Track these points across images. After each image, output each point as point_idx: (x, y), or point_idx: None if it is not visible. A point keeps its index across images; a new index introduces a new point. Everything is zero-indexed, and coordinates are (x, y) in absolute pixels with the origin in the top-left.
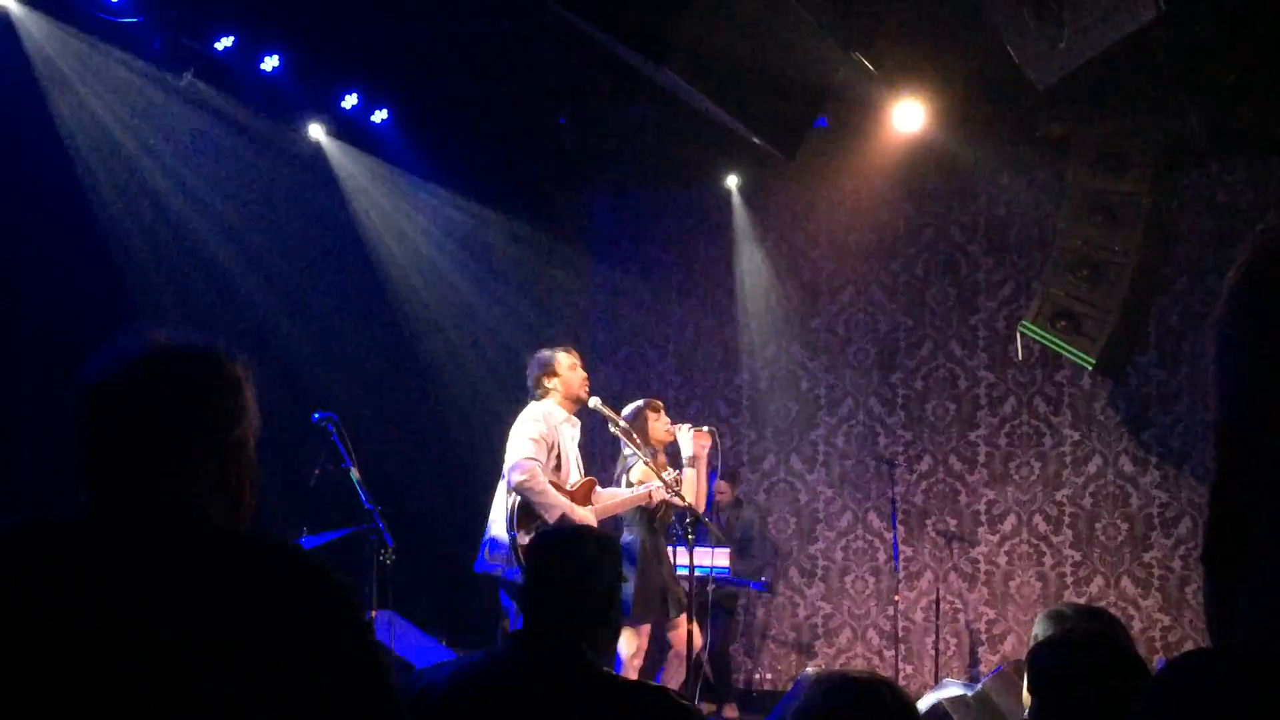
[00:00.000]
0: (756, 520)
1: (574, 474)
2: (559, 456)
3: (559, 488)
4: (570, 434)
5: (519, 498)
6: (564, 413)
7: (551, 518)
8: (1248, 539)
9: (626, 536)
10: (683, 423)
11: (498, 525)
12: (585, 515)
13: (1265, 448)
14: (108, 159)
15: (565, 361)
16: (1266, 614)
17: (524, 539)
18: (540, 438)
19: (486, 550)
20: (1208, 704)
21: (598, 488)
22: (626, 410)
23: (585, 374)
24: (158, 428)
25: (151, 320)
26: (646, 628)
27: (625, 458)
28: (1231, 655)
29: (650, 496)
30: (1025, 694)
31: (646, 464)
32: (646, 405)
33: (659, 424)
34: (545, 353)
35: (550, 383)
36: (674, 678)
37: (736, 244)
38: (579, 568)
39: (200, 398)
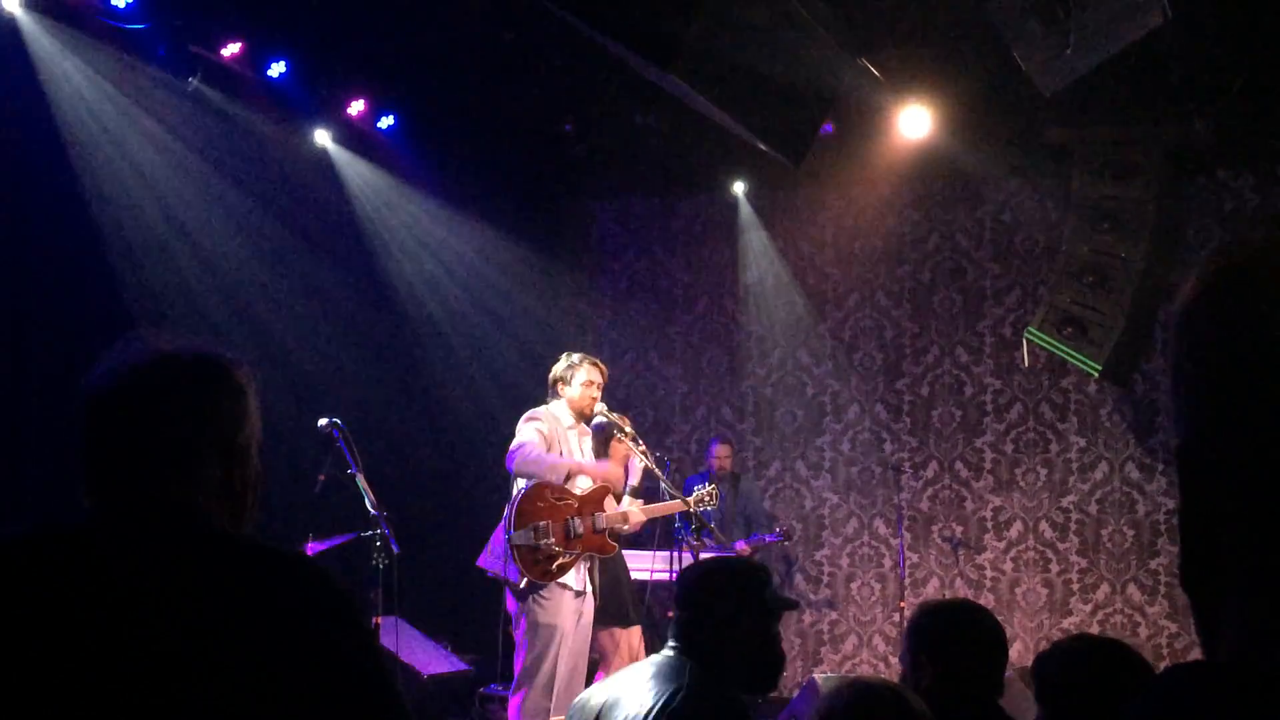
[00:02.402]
0: (757, 492)
1: (583, 482)
2: (562, 456)
3: (566, 491)
4: (578, 441)
5: (517, 501)
6: (570, 418)
7: (559, 477)
8: (1220, 562)
9: None
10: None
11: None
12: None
13: (1224, 475)
14: (112, 165)
15: (581, 378)
16: (1244, 634)
17: (520, 540)
18: (538, 432)
19: (489, 548)
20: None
21: (636, 501)
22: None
23: (597, 396)
24: (162, 434)
25: (155, 326)
26: (621, 632)
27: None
28: (1219, 669)
29: (685, 506)
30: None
31: (654, 469)
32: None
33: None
34: (574, 359)
35: (561, 390)
36: None
37: (742, 250)
38: (712, 587)
39: (204, 404)
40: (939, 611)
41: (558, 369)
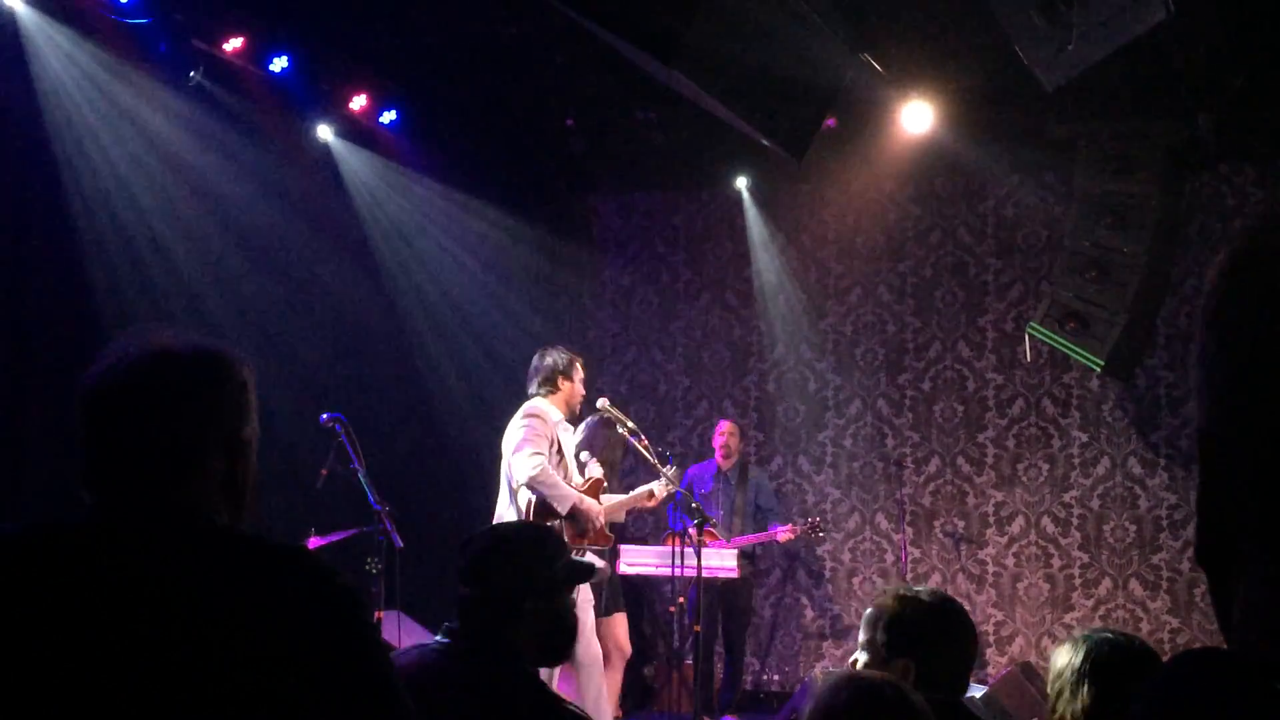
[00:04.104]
0: (768, 482)
1: (575, 475)
2: (560, 454)
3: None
4: (568, 437)
5: (535, 495)
6: (559, 414)
7: (563, 509)
8: (1236, 542)
9: None
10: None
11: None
12: (594, 505)
13: (1245, 456)
14: (112, 161)
15: (580, 375)
16: (1255, 615)
17: None
18: (540, 434)
19: None
20: (1198, 706)
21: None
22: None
23: (584, 393)
24: (167, 430)
25: (154, 322)
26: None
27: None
28: (1225, 656)
29: (652, 495)
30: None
31: (654, 464)
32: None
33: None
34: (564, 356)
35: (561, 384)
36: (613, 679)
37: (745, 245)
38: (489, 564)
39: (208, 400)
40: (919, 605)
41: (556, 363)
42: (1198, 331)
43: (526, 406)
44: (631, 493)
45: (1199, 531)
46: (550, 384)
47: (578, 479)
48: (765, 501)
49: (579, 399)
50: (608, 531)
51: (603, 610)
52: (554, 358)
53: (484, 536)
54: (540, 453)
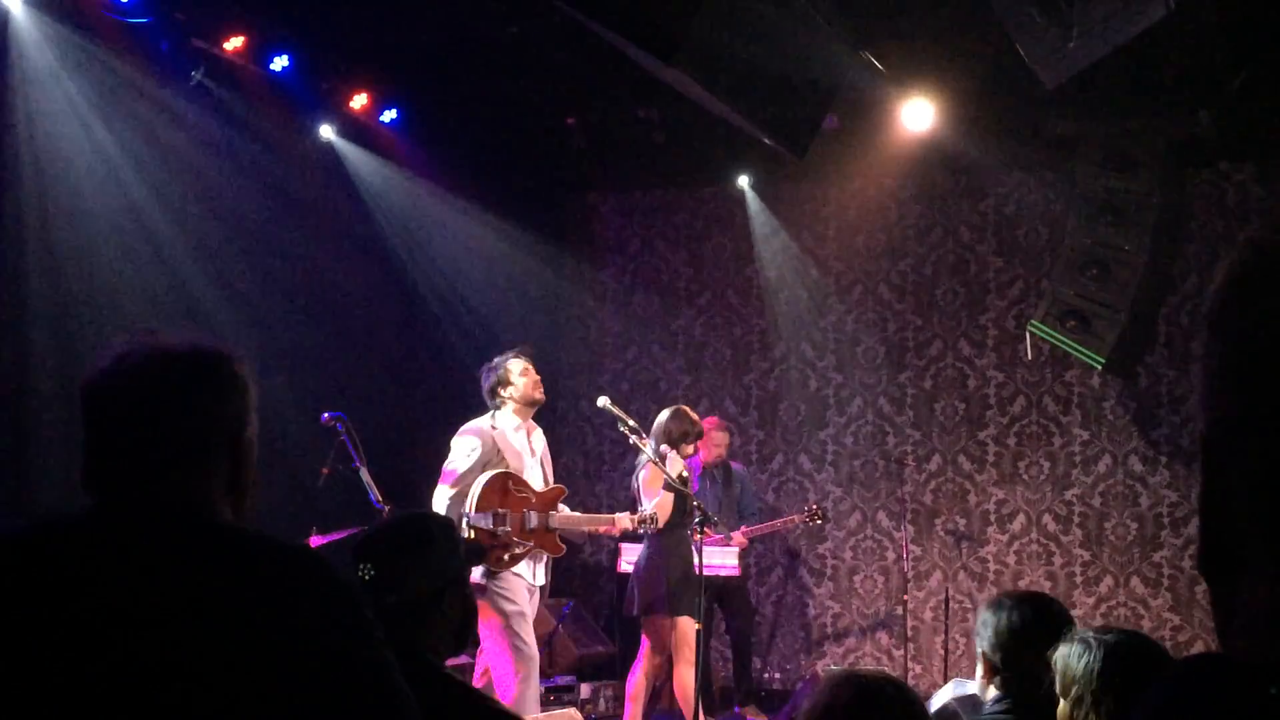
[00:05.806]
0: (749, 479)
1: (536, 482)
2: (503, 458)
3: (526, 484)
4: (523, 441)
5: (476, 489)
6: (518, 420)
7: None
8: (1239, 547)
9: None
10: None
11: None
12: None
13: (1249, 460)
14: (112, 160)
15: (516, 368)
16: (1261, 619)
17: (480, 522)
18: (459, 460)
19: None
20: (1203, 712)
21: (564, 507)
22: (664, 415)
23: (537, 377)
24: (169, 429)
25: (156, 322)
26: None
27: (639, 466)
28: (1229, 661)
29: (614, 523)
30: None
31: (654, 463)
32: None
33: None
34: (495, 362)
35: (505, 391)
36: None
37: (746, 244)
38: (405, 565)
39: (210, 398)
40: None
41: (491, 378)
42: (1201, 334)
43: (464, 427)
44: (593, 515)
45: (1201, 537)
46: (496, 397)
47: (538, 485)
48: (746, 501)
49: (531, 391)
50: (559, 541)
51: (673, 610)
52: (487, 374)
53: (383, 538)
54: (445, 484)
